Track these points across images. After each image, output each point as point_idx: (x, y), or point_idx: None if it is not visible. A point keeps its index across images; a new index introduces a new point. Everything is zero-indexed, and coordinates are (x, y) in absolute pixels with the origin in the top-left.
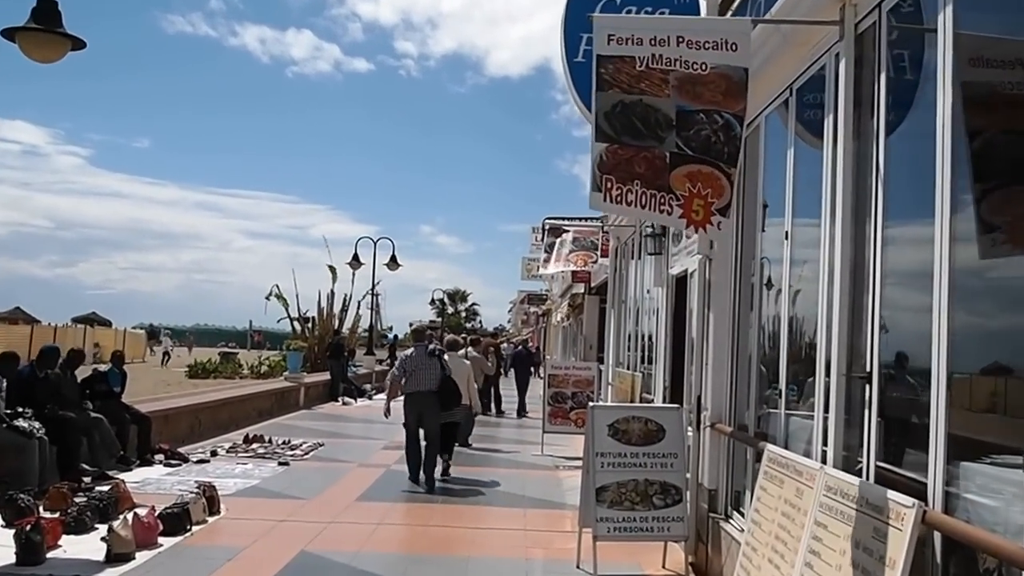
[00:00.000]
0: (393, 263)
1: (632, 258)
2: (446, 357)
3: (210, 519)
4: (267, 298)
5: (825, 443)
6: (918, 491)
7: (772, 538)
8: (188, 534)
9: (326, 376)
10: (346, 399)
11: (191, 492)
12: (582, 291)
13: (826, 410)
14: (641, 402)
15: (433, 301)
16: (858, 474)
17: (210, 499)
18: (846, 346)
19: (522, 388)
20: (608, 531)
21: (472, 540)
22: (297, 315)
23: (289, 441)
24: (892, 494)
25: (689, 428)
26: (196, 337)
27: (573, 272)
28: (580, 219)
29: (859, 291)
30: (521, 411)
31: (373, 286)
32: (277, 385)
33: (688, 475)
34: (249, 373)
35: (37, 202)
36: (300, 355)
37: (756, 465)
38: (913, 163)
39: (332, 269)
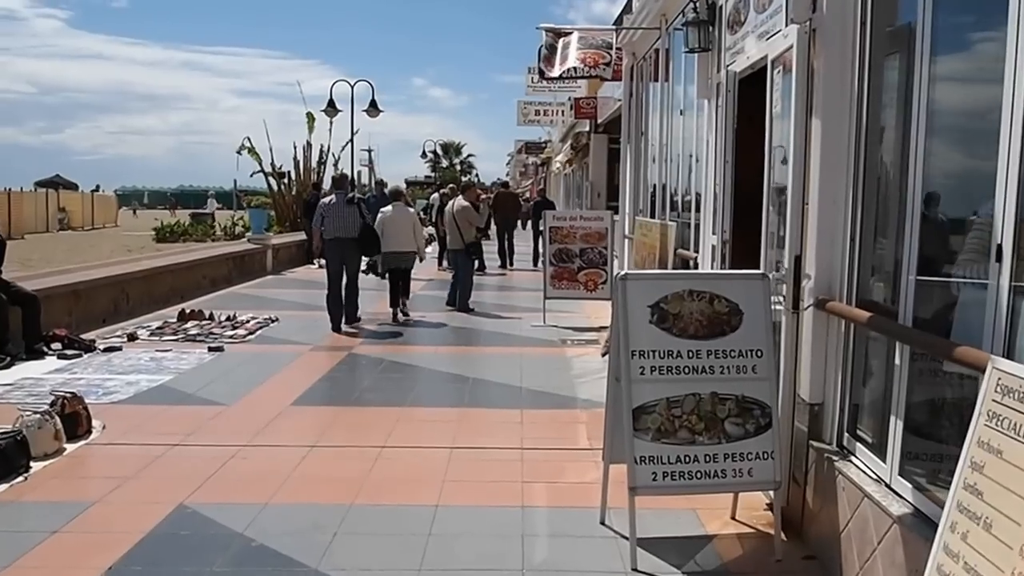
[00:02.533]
0: (373, 109)
1: (654, 79)
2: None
3: (69, 446)
4: (238, 152)
5: None
6: None
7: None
8: (18, 479)
9: (301, 236)
10: (322, 261)
11: (37, 412)
12: (587, 129)
13: None
14: (678, 263)
15: (425, 154)
16: None
17: (71, 416)
18: None
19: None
20: (654, 479)
21: (444, 474)
22: (272, 170)
23: (234, 316)
24: None
25: (777, 306)
26: (180, 199)
27: (576, 104)
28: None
29: None
30: (536, 260)
31: (352, 134)
32: (234, 248)
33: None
34: (223, 235)
35: (18, 67)
36: (264, 213)
37: (895, 366)
38: None
39: (309, 116)
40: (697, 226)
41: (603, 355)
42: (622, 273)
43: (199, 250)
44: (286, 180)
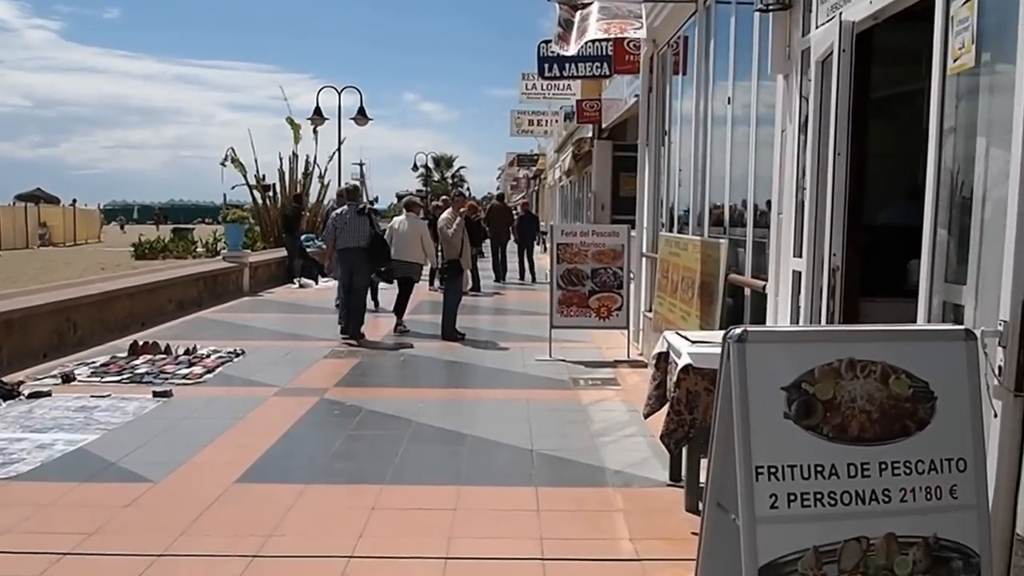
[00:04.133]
0: (362, 117)
1: (677, 71)
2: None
3: None
4: (222, 164)
5: None
6: None
7: None
8: None
9: (281, 253)
10: (303, 280)
11: None
12: (590, 135)
13: None
14: (726, 293)
15: (416, 167)
16: None
17: None
18: None
19: (529, 252)
20: None
21: None
22: (256, 182)
23: (194, 350)
24: None
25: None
26: (168, 213)
27: (578, 107)
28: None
29: None
30: (524, 274)
31: (339, 143)
32: (206, 267)
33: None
34: (204, 251)
35: (12, 80)
36: (241, 228)
37: None
38: None
39: (292, 123)
40: (759, 244)
41: (645, 416)
42: (739, 331)
43: (165, 270)
44: (271, 193)
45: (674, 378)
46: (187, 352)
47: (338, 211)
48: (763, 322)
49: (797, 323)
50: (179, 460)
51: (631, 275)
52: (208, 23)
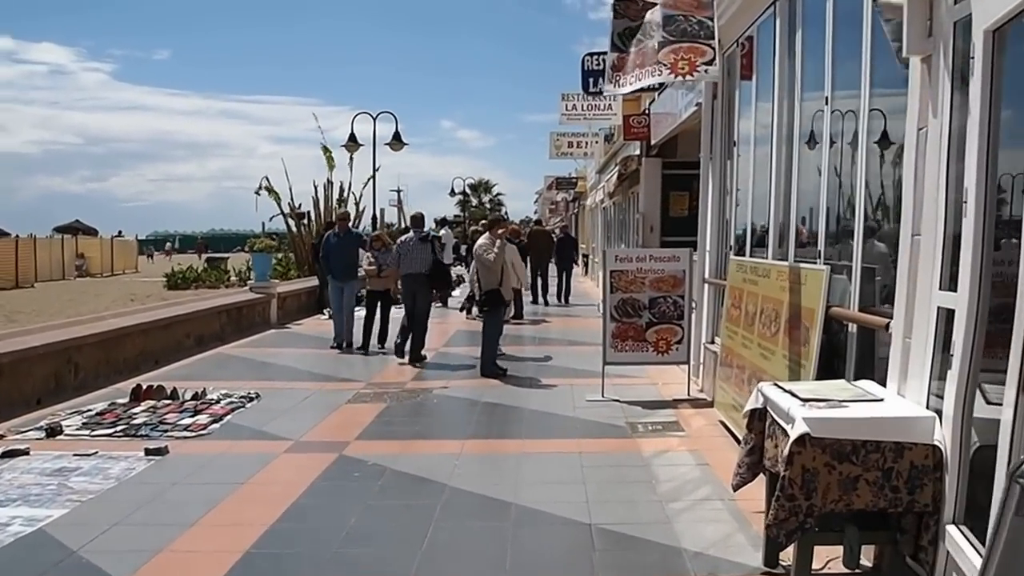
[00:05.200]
0: (397, 142)
1: (754, 72)
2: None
3: None
4: (256, 192)
5: None
6: None
7: None
8: None
9: (312, 283)
10: (330, 311)
11: None
12: (637, 152)
13: None
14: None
15: (453, 192)
16: None
17: None
18: None
19: (568, 274)
20: None
21: None
22: (289, 210)
23: (202, 394)
24: None
25: None
26: (209, 242)
27: (625, 123)
28: None
29: None
30: (561, 295)
31: (374, 169)
32: (230, 299)
33: None
34: (237, 280)
35: (66, 120)
36: (269, 258)
37: None
38: None
39: (326, 151)
40: (868, 271)
41: (735, 488)
42: None
43: (186, 302)
44: (305, 221)
45: (784, 451)
46: (195, 397)
47: (404, 237)
48: (873, 367)
49: (944, 378)
50: (155, 547)
51: (693, 304)
52: (251, 59)
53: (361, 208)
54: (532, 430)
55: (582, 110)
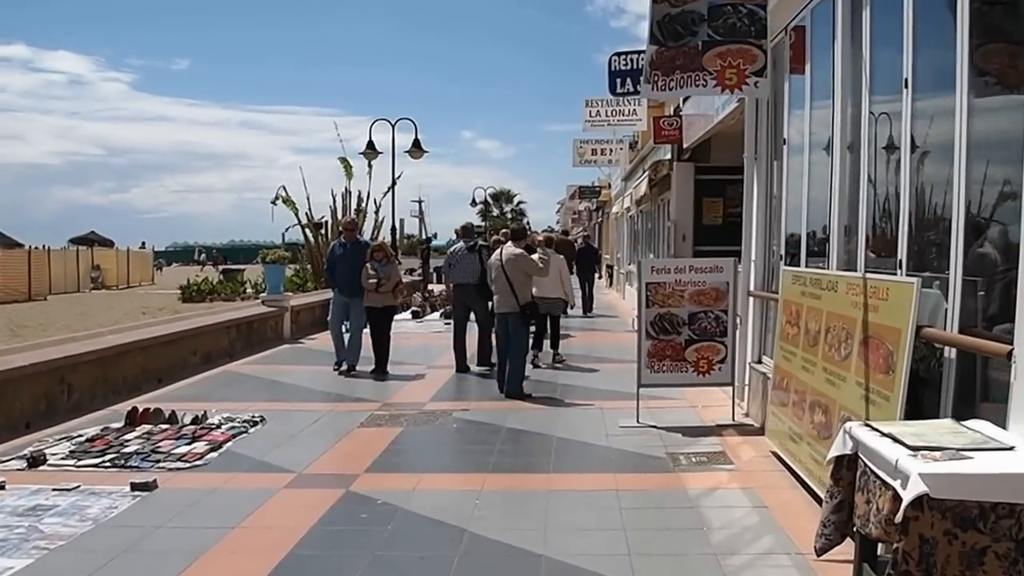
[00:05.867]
0: (416, 149)
1: (807, 59)
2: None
3: None
4: (273, 202)
5: None
6: None
7: None
8: None
9: (327, 295)
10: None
11: None
12: (668, 157)
13: None
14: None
15: (475, 202)
16: None
17: None
18: None
19: (590, 284)
20: None
21: None
22: (307, 220)
23: (203, 417)
24: None
25: None
26: (228, 254)
27: (655, 125)
28: None
29: None
30: (588, 306)
31: (394, 178)
32: (241, 313)
33: None
34: (253, 292)
35: (86, 130)
36: (282, 269)
37: None
38: None
39: (345, 162)
40: (969, 285)
41: (818, 553)
42: None
43: (194, 317)
44: (323, 231)
45: (898, 516)
46: (195, 420)
47: (454, 247)
48: (974, 403)
49: None
50: None
51: (737, 320)
52: (271, 69)
53: (380, 218)
54: (562, 462)
55: (606, 116)
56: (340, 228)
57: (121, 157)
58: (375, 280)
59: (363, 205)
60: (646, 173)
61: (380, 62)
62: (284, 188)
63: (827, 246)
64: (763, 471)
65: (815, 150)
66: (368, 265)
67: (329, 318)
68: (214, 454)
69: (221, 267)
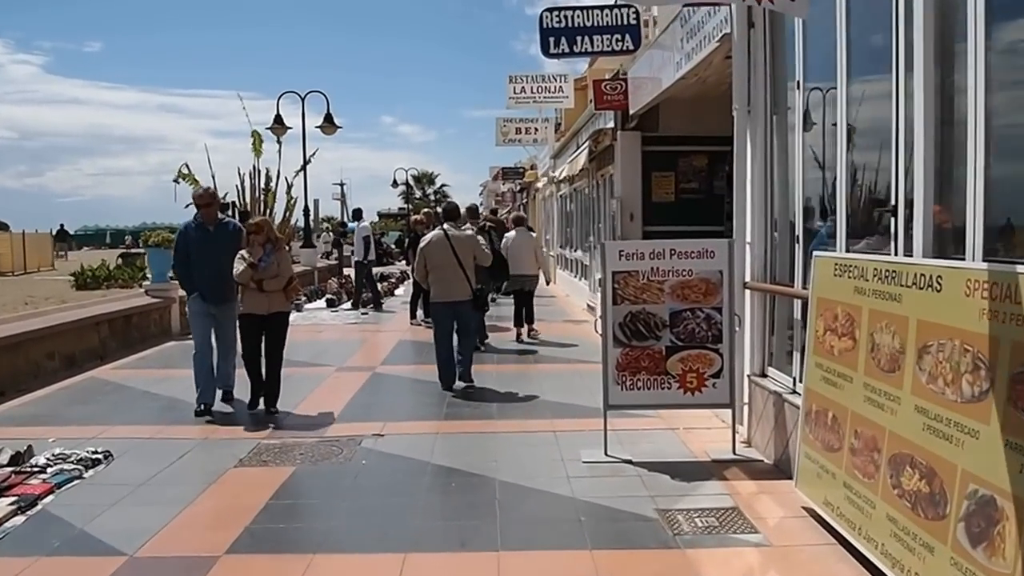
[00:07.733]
0: (329, 124)
1: None
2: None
3: None
4: (175, 181)
5: None
6: None
7: None
8: None
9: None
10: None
11: None
12: (611, 126)
13: None
14: None
15: (396, 183)
16: None
17: None
18: None
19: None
20: None
21: None
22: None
23: (28, 452)
24: None
25: None
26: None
27: (596, 89)
28: None
29: None
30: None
31: (305, 155)
32: (116, 306)
33: None
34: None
35: None
36: (167, 254)
37: None
38: None
39: (256, 135)
40: None
41: None
42: None
43: (51, 312)
44: (229, 212)
45: None
46: (13, 459)
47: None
48: None
49: None
50: None
51: (736, 322)
52: (188, 55)
53: (292, 199)
54: (511, 531)
55: (531, 92)
56: (195, 201)
57: (35, 140)
58: (252, 272)
59: (272, 184)
60: (584, 145)
61: (299, 52)
62: (187, 165)
63: (892, 221)
64: (805, 546)
65: (855, 79)
66: (244, 252)
67: (194, 334)
68: (19, 519)
69: (121, 250)
